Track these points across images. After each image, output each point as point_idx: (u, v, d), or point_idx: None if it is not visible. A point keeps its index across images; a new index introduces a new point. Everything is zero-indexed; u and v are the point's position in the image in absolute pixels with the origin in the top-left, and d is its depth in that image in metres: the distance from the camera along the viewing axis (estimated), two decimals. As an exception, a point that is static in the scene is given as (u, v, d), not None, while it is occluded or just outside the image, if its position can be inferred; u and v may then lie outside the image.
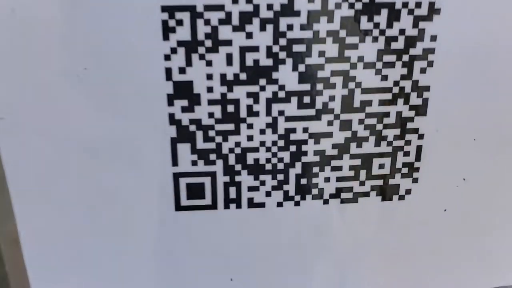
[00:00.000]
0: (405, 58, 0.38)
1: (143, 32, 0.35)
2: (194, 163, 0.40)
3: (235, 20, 0.36)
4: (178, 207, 0.41)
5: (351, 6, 0.36)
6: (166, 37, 0.36)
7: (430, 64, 0.39)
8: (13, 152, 0.38)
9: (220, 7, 0.35)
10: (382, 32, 0.37)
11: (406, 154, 0.42)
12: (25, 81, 0.36)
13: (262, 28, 0.36)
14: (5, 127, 0.37)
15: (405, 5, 0.37)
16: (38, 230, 0.41)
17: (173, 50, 0.36)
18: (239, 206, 0.42)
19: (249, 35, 0.36)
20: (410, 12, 0.37)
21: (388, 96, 0.39)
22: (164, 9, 0.35)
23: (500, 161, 0.43)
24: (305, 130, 0.40)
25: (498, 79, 0.40)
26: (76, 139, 0.38)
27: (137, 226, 0.41)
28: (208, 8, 0.35)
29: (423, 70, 0.39)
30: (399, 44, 0.38)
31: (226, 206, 0.42)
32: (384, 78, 0.39)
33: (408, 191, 0.43)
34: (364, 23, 0.37)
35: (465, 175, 0.43)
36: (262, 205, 0.42)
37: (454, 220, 0.45)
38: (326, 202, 0.43)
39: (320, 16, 0.36)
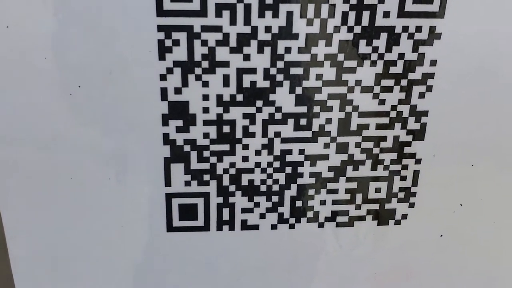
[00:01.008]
0: (404, 82, 0.38)
1: (139, 51, 0.35)
2: (187, 183, 0.39)
3: (233, 42, 0.35)
4: (170, 228, 0.40)
5: (350, 29, 0.36)
6: (162, 57, 0.35)
7: (429, 89, 0.38)
8: (5, 168, 0.37)
9: (218, 28, 0.35)
10: (381, 56, 0.37)
11: (403, 178, 0.41)
12: (19, 98, 0.36)
13: (260, 50, 0.36)
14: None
15: (405, 29, 0.36)
16: (28, 248, 0.40)
17: (169, 70, 0.36)
18: (232, 228, 0.41)
19: (247, 57, 0.36)
20: (410, 36, 0.37)
21: (386, 120, 0.39)
22: (160, 28, 0.34)
23: (498, 187, 0.43)
24: (301, 152, 0.40)
25: (497, 105, 0.40)
26: (68, 158, 0.37)
27: (128, 246, 0.41)
28: (205, 29, 0.35)
29: (421, 95, 0.39)
30: (398, 69, 0.37)
31: (219, 228, 0.41)
32: (382, 102, 0.38)
33: (404, 216, 0.42)
34: (363, 47, 0.36)
35: (462, 201, 0.43)
36: (256, 227, 0.41)
37: (451, 246, 0.44)
38: (321, 225, 0.42)
39: (318, 40, 0.36)
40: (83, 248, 0.41)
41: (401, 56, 0.37)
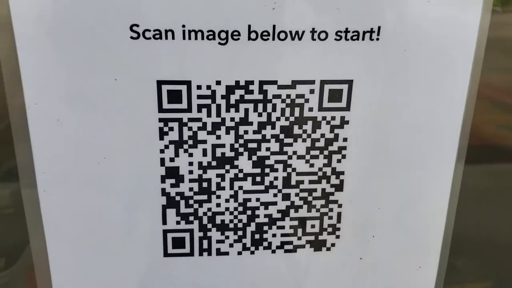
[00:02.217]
0: (326, 152, 0.55)
1: (145, 135, 0.52)
2: (178, 222, 0.55)
3: (209, 127, 0.52)
4: (166, 254, 0.56)
5: (287, 119, 0.53)
6: (161, 138, 0.52)
7: (344, 156, 0.56)
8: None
9: (198, 119, 0.52)
10: (309, 136, 0.54)
11: (330, 218, 0.57)
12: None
13: (227, 132, 0.53)
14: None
15: (324, 118, 0.54)
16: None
17: (166, 146, 0.52)
18: (210, 254, 0.56)
19: (219, 137, 0.53)
20: (328, 123, 0.54)
21: (315, 177, 0.56)
22: (160, 120, 0.51)
23: (401, 222, 0.59)
24: (258, 200, 0.55)
25: (396, 164, 0.56)
26: (90, 200, 0.54)
27: (132, 268, 0.55)
28: (190, 119, 0.52)
29: (339, 161, 0.55)
30: (321, 143, 0.55)
31: (200, 254, 0.56)
32: (312, 165, 0.55)
33: (333, 244, 0.58)
34: (296, 130, 0.54)
35: (374, 233, 0.59)
36: (226, 253, 0.57)
37: (369, 267, 0.60)
38: (273, 252, 0.58)
39: (266, 125, 0.53)
40: (100, 268, 0.56)
41: (322, 135, 0.54)
